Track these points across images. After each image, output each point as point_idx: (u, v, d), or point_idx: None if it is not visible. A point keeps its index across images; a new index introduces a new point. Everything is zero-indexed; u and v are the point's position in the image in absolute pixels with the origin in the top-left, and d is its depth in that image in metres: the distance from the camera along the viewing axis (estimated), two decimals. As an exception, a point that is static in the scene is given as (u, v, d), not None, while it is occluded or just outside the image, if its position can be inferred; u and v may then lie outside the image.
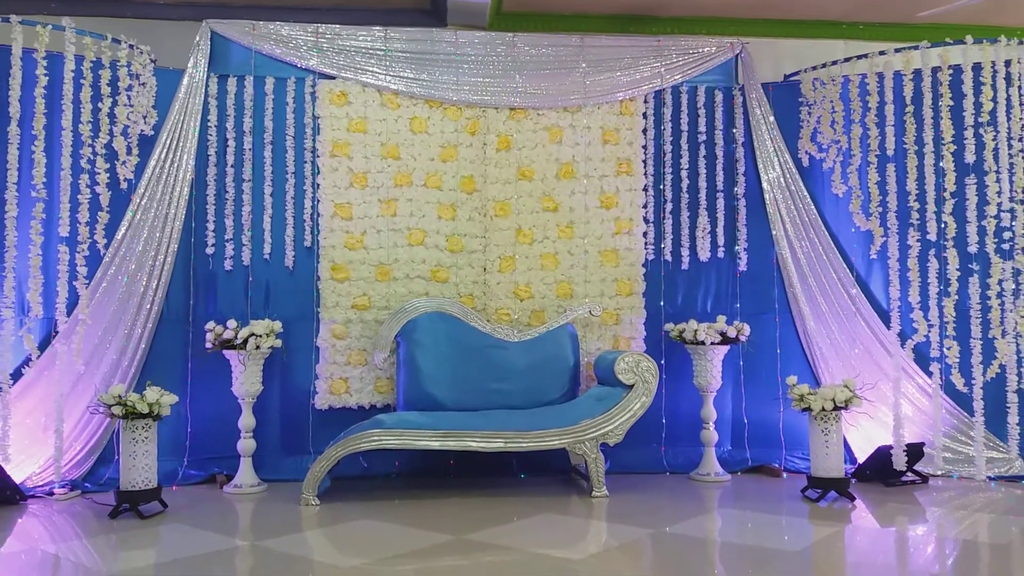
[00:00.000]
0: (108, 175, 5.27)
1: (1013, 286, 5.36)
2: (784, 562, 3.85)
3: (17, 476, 4.94)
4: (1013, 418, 5.32)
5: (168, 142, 5.54)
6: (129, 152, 5.36)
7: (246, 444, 5.29)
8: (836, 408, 4.96)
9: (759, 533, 4.38)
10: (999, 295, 5.36)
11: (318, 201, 5.78)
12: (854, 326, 5.79)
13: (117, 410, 4.57)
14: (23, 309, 5.03)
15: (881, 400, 5.50)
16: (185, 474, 5.46)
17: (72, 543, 4.20)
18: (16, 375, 4.99)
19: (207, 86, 5.71)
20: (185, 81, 5.63)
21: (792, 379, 5.19)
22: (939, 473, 5.52)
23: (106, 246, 5.28)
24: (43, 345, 5.11)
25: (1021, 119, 5.39)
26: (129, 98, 5.37)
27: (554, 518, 4.60)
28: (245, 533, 4.45)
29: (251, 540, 4.30)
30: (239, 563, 3.93)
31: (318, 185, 5.78)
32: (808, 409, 5.01)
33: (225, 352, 5.27)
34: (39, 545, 4.17)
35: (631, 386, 5.14)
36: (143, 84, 5.47)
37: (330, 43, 5.86)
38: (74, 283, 5.09)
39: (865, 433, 5.66)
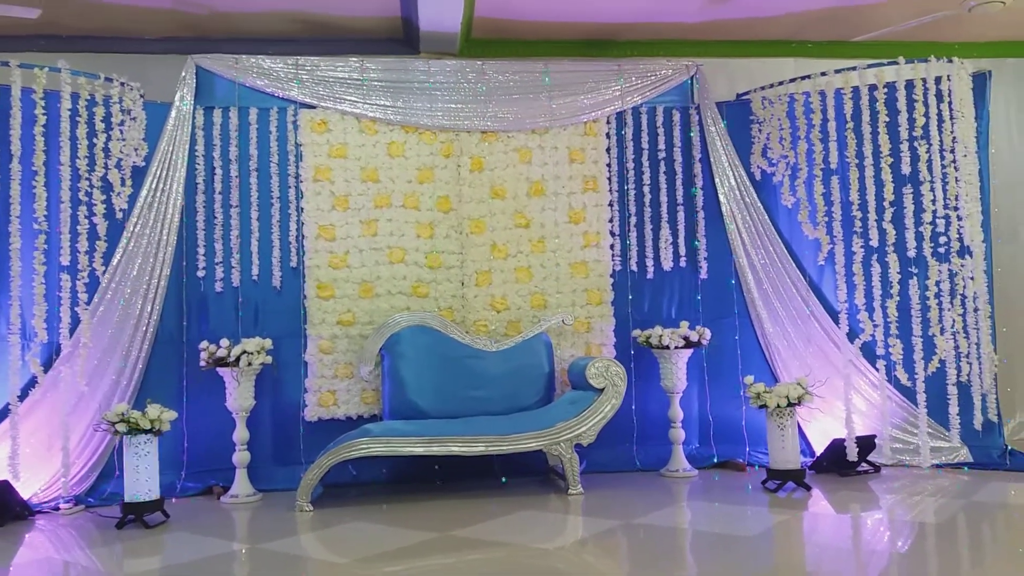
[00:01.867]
0: (104, 206, 5.57)
1: (949, 287, 5.81)
2: (744, 545, 4.23)
3: (24, 493, 5.20)
4: (954, 409, 5.75)
5: (159, 172, 5.84)
6: (123, 183, 5.67)
7: (241, 456, 5.59)
8: (790, 404, 5.36)
9: (721, 521, 4.77)
10: (937, 295, 5.80)
11: (302, 224, 6.10)
12: (808, 327, 6.19)
13: (121, 427, 4.87)
14: (27, 334, 5.31)
15: (836, 396, 5.90)
16: (183, 487, 5.73)
17: (84, 552, 4.50)
18: (22, 396, 5.25)
19: (194, 118, 6.01)
20: (173, 114, 5.93)
21: (749, 379, 5.59)
22: (891, 463, 5.92)
23: (103, 272, 5.58)
24: (46, 367, 5.39)
25: (952, 133, 5.84)
26: (122, 132, 5.68)
27: (533, 515, 4.96)
28: (244, 538, 4.77)
29: (250, 544, 4.61)
30: (241, 564, 4.25)
31: (302, 209, 6.11)
32: (764, 406, 5.40)
33: (219, 369, 5.57)
34: (53, 555, 4.47)
35: (602, 390, 5.51)
36: (134, 118, 5.78)
37: (310, 74, 6.20)
38: (75, 308, 5.40)
39: (822, 427, 6.05)
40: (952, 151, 5.84)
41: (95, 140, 5.55)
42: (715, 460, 6.22)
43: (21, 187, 5.25)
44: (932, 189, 5.80)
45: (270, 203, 6.09)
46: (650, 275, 6.42)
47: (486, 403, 5.81)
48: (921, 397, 5.74)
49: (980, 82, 6.18)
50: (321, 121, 6.17)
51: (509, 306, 6.26)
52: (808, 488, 5.31)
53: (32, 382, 5.31)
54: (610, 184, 6.43)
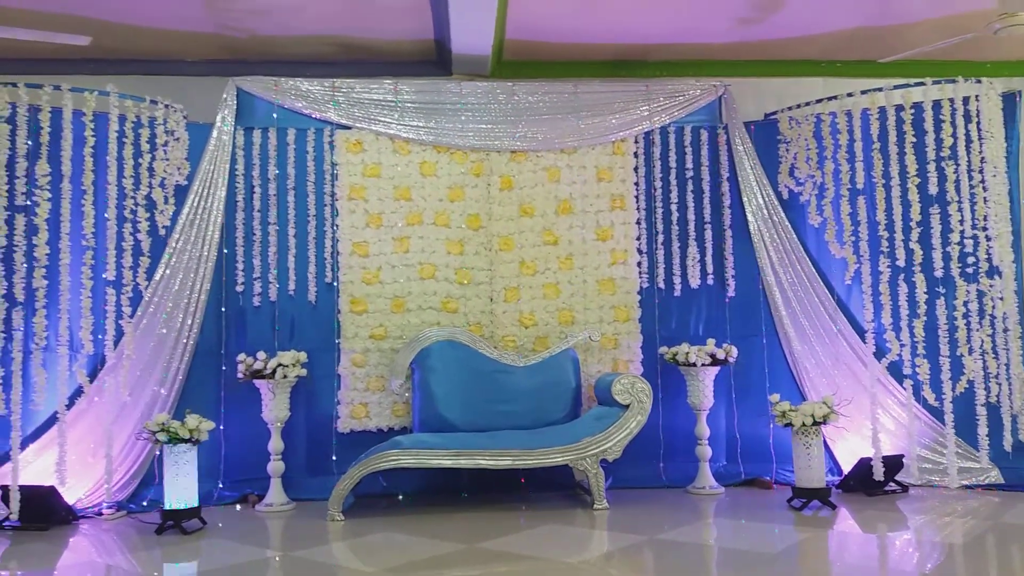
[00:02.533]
0: (148, 223, 5.81)
1: (978, 307, 5.80)
2: (767, 563, 4.27)
3: (69, 498, 5.41)
4: (983, 430, 5.73)
5: (200, 191, 6.07)
6: (166, 201, 5.90)
7: (275, 466, 5.76)
8: (816, 423, 5.40)
9: (745, 538, 4.82)
10: (965, 316, 5.80)
11: (337, 241, 6.28)
12: (836, 346, 6.21)
13: (161, 436, 5.06)
14: (74, 346, 5.54)
15: (864, 415, 5.91)
16: (220, 495, 5.91)
17: (125, 556, 4.69)
18: (69, 405, 5.47)
19: (234, 138, 6.24)
20: (214, 134, 6.16)
21: (775, 397, 5.63)
22: (919, 483, 5.91)
23: (147, 287, 5.80)
24: (91, 377, 5.61)
25: (980, 153, 5.85)
26: (165, 152, 5.92)
27: (559, 528, 5.04)
28: (277, 546, 4.92)
29: (283, 552, 4.77)
30: (274, 572, 4.40)
31: (337, 226, 6.29)
32: (790, 424, 5.44)
33: (255, 381, 5.76)
34: (95, 559, 4.66)
35: (627, 406, 5.59)
36: (177, 139, 6.02)
37: (346, 96, 6.40)
38: (120, 321, 5.62)
39: (850, 446, 6.07)
40: (981, 171, 5.85)
41: (140, 160, 5.79)
42: (742, 478, 6.26)
43: (71, 205, 5.50)
44: (960, 209, 5.82)
45: (306, 221, 6.28)
46: (677, 292, 6.49)
47: (513, 417, 5.92)
48: (949, 417, 5.73)
49: (1010, 102, 6.19)
50: (356, 141, 6.36)
51: (537, 322, 6.37)
52: (833, 507, 5.33)
53: (78, 392, 5.54)
54: (637, 202, 6.52)
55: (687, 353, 6.03)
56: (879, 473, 5.64)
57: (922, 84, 5.92)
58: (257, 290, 6.17)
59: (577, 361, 6.22)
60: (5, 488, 5.19)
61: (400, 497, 5.96)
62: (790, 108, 6.50)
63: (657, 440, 6.31)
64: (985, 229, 5.83)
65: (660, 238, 6.53)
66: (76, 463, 5.48)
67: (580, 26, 6.40)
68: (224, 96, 6.24)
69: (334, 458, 6.08)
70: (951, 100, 5.91)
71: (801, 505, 5.36)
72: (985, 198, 5.84)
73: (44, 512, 5.20)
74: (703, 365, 6.01)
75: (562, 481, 6.10)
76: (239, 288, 6.17)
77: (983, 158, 5.86)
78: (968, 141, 5.87)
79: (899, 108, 6.01)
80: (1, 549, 4.77)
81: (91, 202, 5.55)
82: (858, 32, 6.62)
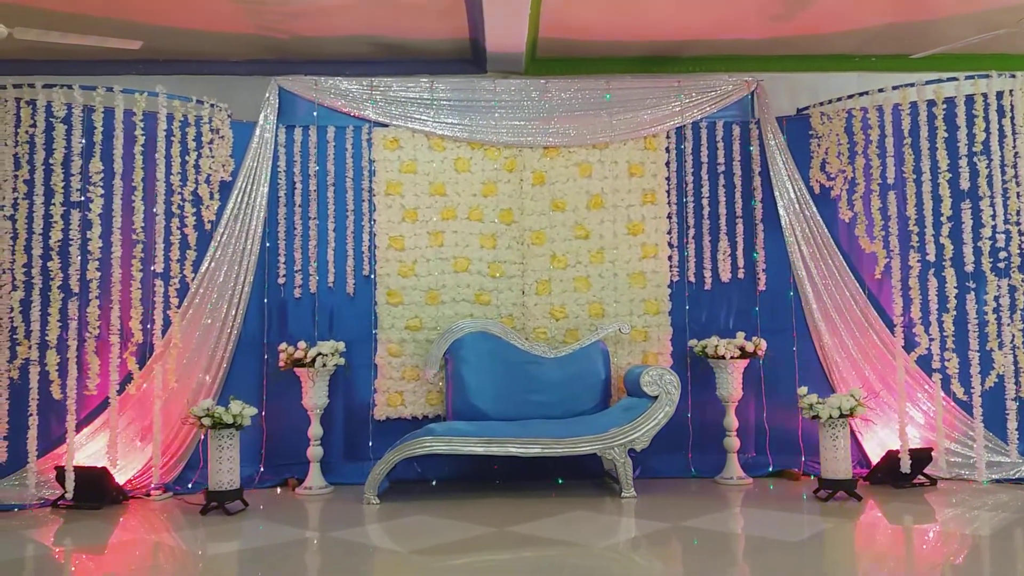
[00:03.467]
0: (194, 218, 6.07)
1: (1009, 301, 5.79)
2: (790, 550, 4.36)
3: (118, 480, 5.69)
4: (1012, 424, 5.73)
5: (244, 186, 6.31)
6: (211, 197, 6.16)
7: (315, 451, 5.98)
8: (843, 416, 5.45)
9: (769, 526, 4.89)
10: (995, 310, 5.79)
11: (374, 235, 6.48)
12: (867, 340, 6.23)
13: (206, 421, 5.31)
14: (122, 335, 5.81)
15: (894, 408, 5.94)
16: (261, 478, 6.16)
17: (173, 534, 4.93)
18: (119, 391, 5.73)
19: (276, 136, 6.47)
20: (257, 132, 6.39)
21: (803, 390, 5.68)
22: (948, 476, 5.92)
23: (193, 279, 6.06)
24: (140, 365, 5.88)
25: (1014, 148, 5.83)
26: (211, 150, 6.17)
27: (587, 515, 5.17)
28: (315, 527, 5.13)
29: (321, 532, 4.98)
30: (312, 550, 4.61)
31: (374, 221, 6.49)
32: (817, 417, 5.50)
33: (296, 370, 5.98)
34: (146, 536, 4.93)
35: (655, 397, 5.70)
36: (222, 137, 6.26)
37: (383, 95, 6.59)
38: (167, 312, 5.89)
39: (879, 439, 6.10)
40: (1014, 166, 5.83)
41: (187, 157, 6.05)
42: (770, 469, 6.33)
43: (122, 201, 5.77)
44: (992, 204, 5.81)
45: (345, 215, 6.48)
46: (707, 286, 6.56)
47: (544, 407, 6.07)
48: (977, 411, 5.74)
49: (1045, 96, 6.13)
50: (393, 139, 6.55)
51: (568, 314, 6.50)
52: (859, 498, 5.38)
53: (128, 378, 5.81)
54: (668, 197, 6.60)
55: (716, 346, 6.11)
56: (906, 466, 5.67)
57: (954, 79, 5.91)
58: (298, 282, 6.39)
59: (607, 353, 6.34)
60: (60, 469, 5.48)
61: (433, 483, 6.15)
62: (821, 103, 6.52)
63: (686, 431, 6.40)
64: (1018, 224, 5.82)
65: (691, 232, 6.61)
66: (125, 446, 5.77)
67: (613, 23, 6.49)
68: (267, 95, 6.46)
69: (370, 444, 6.30)
70: (984, 95, 5.89)
71: (827, 496, 5.42)
72: (1018, 193, 5.83)
73: (96, 492, 5.48)
74: (732, 358, 6.09)
75: (592, 470, 6.23)
76: (281, 280, 6.39)
77: (1016, 153, 5.84)
78: (1001, 136, 5.86)
79: (931, 103, 6.00)
80: (56, 526, 5.06)
81: (141, 198, 5.82)
82: (891, 27, 6.61)
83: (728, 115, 6.72)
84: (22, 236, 5.60)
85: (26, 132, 5.64)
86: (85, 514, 5.31)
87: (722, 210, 6.61)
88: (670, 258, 6.57)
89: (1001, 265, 5.82)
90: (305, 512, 5.48)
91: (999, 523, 4.85)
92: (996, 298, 5.80)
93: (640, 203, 6.59)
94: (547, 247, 6.56)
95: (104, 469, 5.55)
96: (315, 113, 6.55)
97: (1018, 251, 5.82)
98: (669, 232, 6.59)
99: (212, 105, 6.21)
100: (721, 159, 6.64)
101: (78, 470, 5.44)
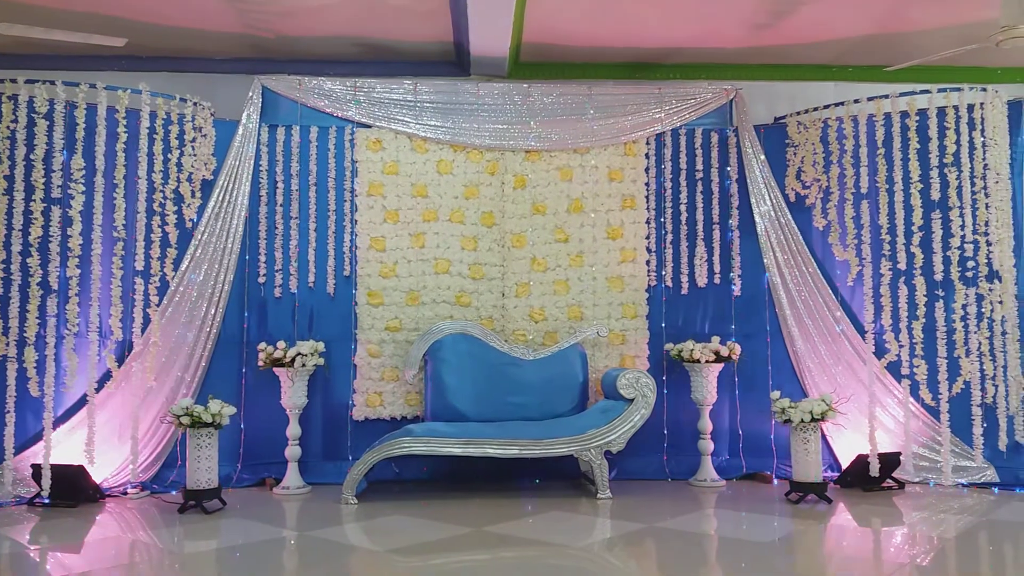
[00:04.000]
0: (176, 216, 6.07)
1: (976, 310, 5.94)
2: (760, 550, 4.46)
3: (96, 478, 5.68)
4: (977, 429, 5.88)
5: (225, 185, 6.32)
6: (193, 195, 6.16)
7: (293, 451, 6.01)
8: (814, 420, 5.56)
9: (741, 527, 5.01)
10: (963, 318, 5.94)
11: (355, 235, 6.51)
12: (839, 346, 6.36)
13: (185, 420, 5.32)
14: (103, 332, 5.80)
15: (864, 412, 6.06)
16: (239, 478, 6.18)
17: (150, 532, 4.94)
18: (98, 389, 5.73)
19: (259, 135, 6.48)
20: (240, 131, 6.40)
21: (775, 394, 5.80)
22: (916, 480, 6.06)
23: (173, 277, 6.07)
24: (119, 363, 5.87)
25: (983, 160, 5.98)
26: (193, 148, 6.17)
27: (563, 515, 5.25)
28: (293, 526, 5.16)
29: (299, 531, 5.00)
30: (290, 549, 4.64)
31: (356, 221, 6.52)
32: (789, 421, 5.61)
33: (275, 369, 6.01)
34: (123, 534, 4.93)
35: (632, 400, 5.79)
36: (204, 135, 6.27)
37: (367, 96, 6.63)
38: (147, 310, 5.89)
39: (850, 443, 6.22)
40: (983, 178, 5.98)
41: (169, 156, 6.05)
42: (743, 472, 6.45)
43: (103, 198, 5.76)
44: (961, 215, 5.95)
45: (327, 216, 6.52)
46: (684, 291, 6.67)
47: (522, 409, 6.14)
48: (944, 417, 5.89)
49: (1016, 109, 6.29)
50: (376, 140, 6.59)
51: (547, 317, 6.58)
52: (829, 501, 5.50)
53: (106, 376, 5.81)
54: (648, 202, 6.70)
55: (692, 350, 6.21)
56: (875, 469, 5.80)
57: (927, 92, 6.05)
58: (278, 282, 6.42)
59: (585, 356, 6.42)
60: (36, 467, 5.47)
61: (411, 483, 6.19)
62: (798, 113, 6.64)
63: (661, 434, 6.50)
64: (986, 234, 5.96)
65: (669, 238, 6.71)
66: (102, 444, 5.73)
67: (595, 30, 6.57)
68: (250, 94, 6.47)
69: (349, 444, 6.34)
70: (955, 108, 6.03)
71: (798, 499, 5.53)
72: (987, 204, 5.97)
73: (73, 490, 5.48)
74: (707, 362, 6.20)
75: (568, 471, 6.32)
76: (261, 280, 6.42)
77: (986, 165, 5.98)
78: (972, 148, 6.00)
79: (904, 115, 6.14)
80: (31, 524, 5.05)
81: (122, 195, 5.81)
82: (869, 38, 6.73)
83: (707, 123, 6.82)
84: (0, 232, 5.57)
85: (7, 127, 5.60)
86: (61, 512, 5.31)
87: (700, 216, 6.71)
88: (648, 263, 6.67)
89: (969, 274, 5.97)
90: (283, 511, 5.51)
91: (964, 526, 4.98)
92: (964, 306, 5.95)
93: (620, 208, 6.68)
94: (527, 250, 6.63)
95: (81, 467, 5.54)
96: (298, 113, 6.57)
97: (986, 261, 5.97)
98: (648, 237, 6.68)
99: (195, 103, 6.21)
100: (700, 166, 6.75)
101: (55, 468, 5.43)
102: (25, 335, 5.57)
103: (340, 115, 6.60)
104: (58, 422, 5.67)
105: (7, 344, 5.55)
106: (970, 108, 6.04)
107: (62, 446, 5.64)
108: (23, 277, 5.58)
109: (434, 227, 6.58)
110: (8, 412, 5.50)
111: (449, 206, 6.61)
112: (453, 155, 6.66)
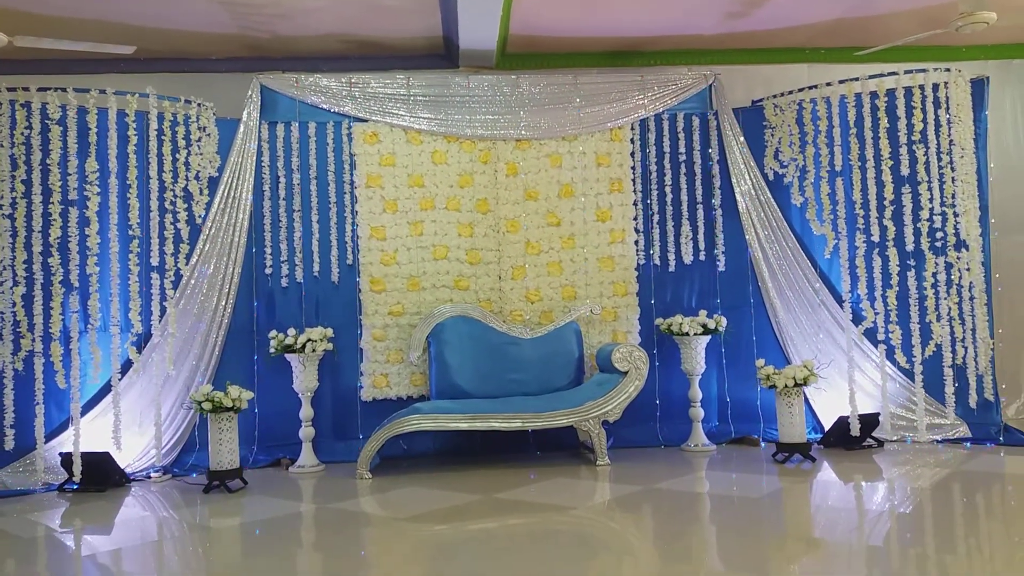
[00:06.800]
0: (186, 213, 6.35)
1: (945, 277, 6.33)
2: (751, 505, 4.84)
3: (120, 463, 5.98)
4: (949, 389, 6.29)
5: (230, 181, 6.58)
6: (201, 193, 6.43)
7: (306, 431, 6.33)
8: (797, 384, 5.94)
9: (732, 486, 5.38)
10: (933, 286, 6.33)
11: (356, 225, 6.80)
12: (819, 315, 6.72)
13: (207, 405, 5.62)
14: (123, 325, 6.09)
15: (844, 377, 6.45)
16: (255, 459, 6.48)
17: (178, 511, 5.25)
18: (120, 378, 6.03)
19: (260, 132, 6.74)
20: (241, 129, 6.65)
21: (760, 362, 6.17)
22: (894, 439, 6.45)
23: (185, 271, 6.34)
24: (139, 353, 6.16)
25: (949, 136, 6.35)
26: (199, 147, 6.44)
27: (565, 481, 5.60)
28: (312, 500, 5.49)
29: (319, 504, 5.34)
30: (313, 519, 4.97)
31: (356, 212, 6.81)
32: (774, 386, 5.98)
33: (286, 355, 6.31)
34: (153, 514, 5.25)
35: (626, 372, 6.13)
36: (208, 134, 6.53)
37: (362, 91, 6.90)
38: (164, 303, 6.18)
39: (831, 406, 6.60)
40: (949, 153, 6.35)
41: (177, 155, 6.33)
42: (732, 436, 6.82)
43: (117, 199, 6.03)
44: (930, 188, 6.32)
45: (328, 207, 6.80)
46: (672, 268, 7.00)
47: (522, 384, 6.48)
48: (919, 378, 6.28)
49: (979, 87, 6.66)
50: (372, 133, 6.87)
51: (542, 297, 6.91)
52: (813, 460, 5.88)
53: (127, 366, 6.09)
54: (634, 185, 7.02)
55: (680, 324, 6.56)
56: (855, 429, 6.19)
57: (894, 74, 6.39)
58: (285, 272, 6.70)
59: (579, 333, 6.75)
60: (64, 455, 5.76)
61: (419, 458, 6.53)
62: (775, 96, 6.97)
63: (654, 403, 6.86)
64: (953, 206, 6.34)
65: (656, 218, 7.03)
66: (124, 431, 6.03)
67: (579, 21, 6.87)
68: (249, 93, 6.72)
69: (359, 424, 6.66)
70: (921, 87, 6.39)
71: (784, 459, 5.91)
72: (953, 178, 6.34)
73: (100, 475, 5.77)
74: (695, 334, 6.55)
75: (568, 442, 6.67)
76: (268, 271, 6.70)
77: (952, 141, 6.35)
78: (937, 125, 6.37)
79: (874, 95, 6.49)
80: (62, 509, 5.33)
81: (135, 195, 6.08)
82: (840, 22, 7.07)
83: (688, 107, 7.14)
84: (21, 234, 5.83)
85: (22, 133, 5.86)
86: (91, 496, 5.59)
87: (684, 197, 7.03)
88: (636, 242, 6.99)
89: (938, 244, 6.35)
90: (300, 488, 5.82)
91: (940, 478, 5.38)
92: (934, 274, 6.34)
93: (608, 191, 7.00)
94: (521, 234, 6.94)
95: (107, 453, 5.83)
96: (297, 109, 6.83)
97: (953, 231, 6.35)
98: (635, 218, 7.00)
99: (199, 104, 6.47)
100: (682, 149, 7.06)
101: (82, 455, 5.71)
102: (50, 330, 5.85)
103: (337, 111, 6.86)
104: (83, 411, 5.94)
105: (33, 340, 5.82)
106: (935, 87, 6.39)
107: (86, 434, 5.91)
108: (45, 276, 5.86)
109: (431, 215, 6.88)
110: (37, 404, 5.79)
111: (445, 195, 6.91)
112: (447, 146, 6.95)
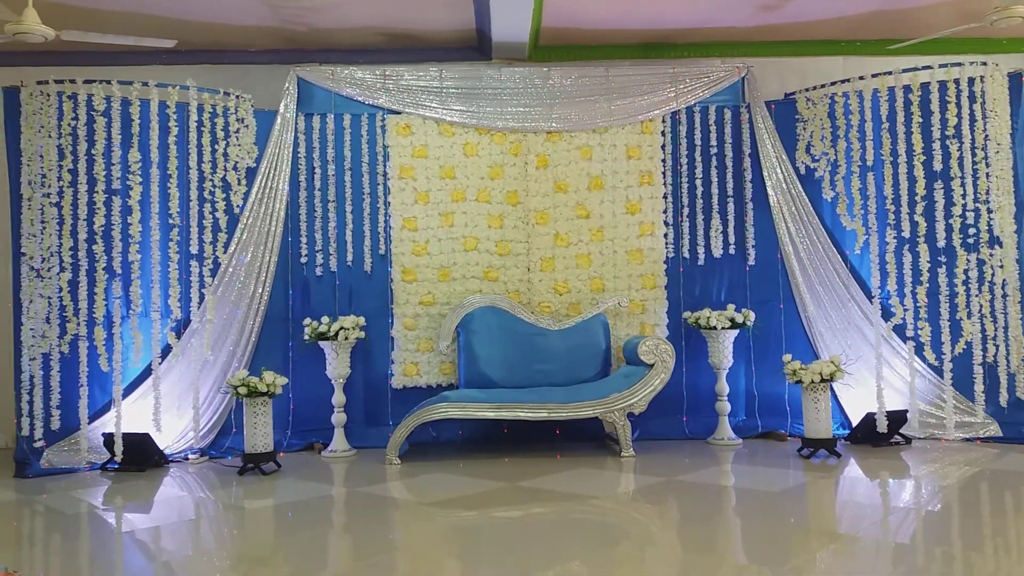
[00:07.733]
0: (224, 202, 6.52)
1: (977, 274, 6.28)
2: (774, 498, 4.89)
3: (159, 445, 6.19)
4: (979, 387, 6.25)
5: (267, 172, 6.74)
6: (239, 183, 6.60)
7: (338, 417, 6.49)
8: (823, 380, 5.95)
9: (755, 479, 5.43)
10: (964, 283, 6.29)
11: (389, 216, 6.93)
12: (849, 310, 6.70)
13: (242, 390, 5.79)
14: (164, 311, 6.29)
15: (872, 373, 6.43)
16: (289, 443, 6.64)
17: (214, 492, 5.44)
18: (161, 362, 6.24)
19: (296, 124, 6.89)
20: (278, 121, 6.81)
21: (787, 357, 6.18)
22: (922, 436, 6.42)
23: (223, 259, 6.52)
24: (178, 338, 6.36)
25: (984, 131, 6.28)
26: (237, 138, 6.61)
27: (590, 472, 5.69)
28: (343, 484, 5.64)
29: (349, 488, 5.49)
30: (343, 502, 5.13)
31: (389, 203, 6.94)
32: (800, 381, 6.00)
33: (320, 343, 6.46)
34: (191, 494, 5.44)
35: (652, 365, 6.18)
36: (246, 126, 6.69)
37: (395, 84, 7.01)
38: (203, 290, 6.37)
39: (860, 402, 6.59)
40: (984, 148, 6.27)
41: (216, 146, 6.50)
42: (759, 431, 6.84)
43: (158, 188, 6.22)
44: (963, 184, 6.27)
45: (362, 198, 6.93)
46: (701, 262, 7.02)
47: (549, 375, 6.56)
48: (948, 375, 6.25)
49: (1016, 81, 6.55)
50: (405, 125, 6.98)
51: (570, 289, 6.98)
52: (839, 455, 5.89)
53: (166, 351, 6.30)
54: (664, 178, 7.04)
55: (708, 317, 6.59)
56: (883, 426, 6.18)
57: (929, 68, 6.34)
58: (319, 261, 6.86)
59: (607, 325, 6.82)
60: (107, 435, 5.98)
61: (447, 445, 6.65)
62: (807, 89, 6.94)
63: (680, 396, 6.90)
64: (987, 202, 6.28)
65: (685, 211, 7.05)
66: (164, 413, 6.22)
67: (611, 13, 6.88)
68: (286, 85, 6.86)
69: (389, 410, 6.80)
70: (956, 81, 6.32)
71: (809, 454, 5.93)
72: (988, 173, 6.28)
73: (140, 456, 5.98)
74: (723, 328, 6.57)
75: (593, 433, 6.75)
76: (303, 259, 6.86)
77: (987, 135, 6.28)
78: (972, 120, 6.30)
79: (907, 89, 6.43)
80: (104, 487, 5.55)
81: (176, 185, 6.27)
82: (876, 14, 6.98)
83: (720, 100, 7.13)
84: (68, 222, 6.04)
85: (68, 124, 6.06)
86: (131, 476, 5.81)
87: (714, 190, 7.04)
88: (666, 235, 7.02)
89: (970, 241, 6.30)
90: (332, 472, 5.98)
91: (968, 476, 5.36)
92: (965, 271, 6.29)
93: (638, 184, 7.03)
94: (551, 226, 7.01)
95: (147, 435, 6.05)
96: (332, 102, 6.96)
97: (986, 228, 6.29)
98: (665, 211, 7.03)
99: (238, 96, 6.63)
100: (714, 141, 7.07)
101: (124, 436, 5.93)
102: (94, 315, 6.06)
103: (371, 103, 6.99)
104: (125, 393, 6.16)
105: (78, 324, 6.04)
106: (971, 81, 6.32)
107: (127, 416, 6.12)
108: (90, 263, 6.06)
109: (462, 207, 6.97)
110: (82, 386, 6.01)
111: (476, 186, 7.00)
112: (478, 138, 7.04)
